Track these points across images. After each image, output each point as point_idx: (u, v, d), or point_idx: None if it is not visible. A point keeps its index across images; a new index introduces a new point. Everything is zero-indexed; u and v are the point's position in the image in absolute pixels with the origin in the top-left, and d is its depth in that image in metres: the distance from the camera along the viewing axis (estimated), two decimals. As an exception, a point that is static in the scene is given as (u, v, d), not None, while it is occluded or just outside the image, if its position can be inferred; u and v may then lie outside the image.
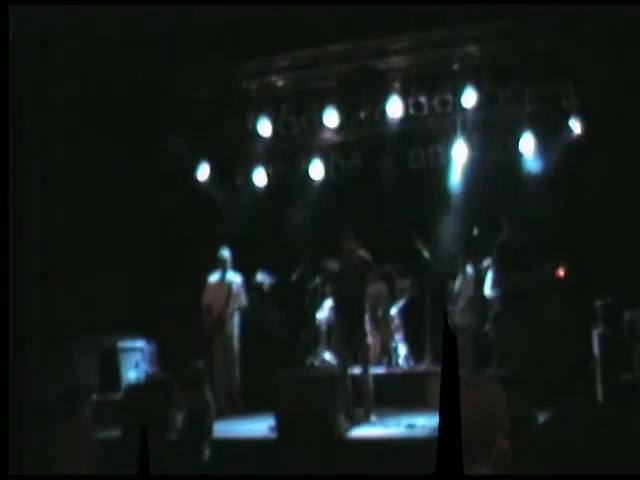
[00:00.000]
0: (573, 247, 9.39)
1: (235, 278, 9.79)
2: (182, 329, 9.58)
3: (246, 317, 9.96)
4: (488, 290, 9.35)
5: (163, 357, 9.72)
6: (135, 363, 9.44)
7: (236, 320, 9.79)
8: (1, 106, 6.51)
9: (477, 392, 3.24)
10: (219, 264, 9.75)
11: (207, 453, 6.68)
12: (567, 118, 9.80)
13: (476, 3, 8.52)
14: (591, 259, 9.07)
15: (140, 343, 9.66)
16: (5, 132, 6.50)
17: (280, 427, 7.86)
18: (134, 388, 8.40)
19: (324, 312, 10.18)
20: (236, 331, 9.77)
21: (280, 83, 10.55)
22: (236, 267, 9.86)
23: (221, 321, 9.61)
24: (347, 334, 8.73)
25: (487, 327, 9.34)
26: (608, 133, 9.20)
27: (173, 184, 10.37)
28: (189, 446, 6.74)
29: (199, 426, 6.76)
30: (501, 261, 9.31)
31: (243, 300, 9.82)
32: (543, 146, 9.98)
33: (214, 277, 9.80)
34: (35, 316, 7.58)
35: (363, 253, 8.78)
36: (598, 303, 8.40)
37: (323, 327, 10.20)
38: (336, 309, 9.18)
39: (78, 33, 8.31)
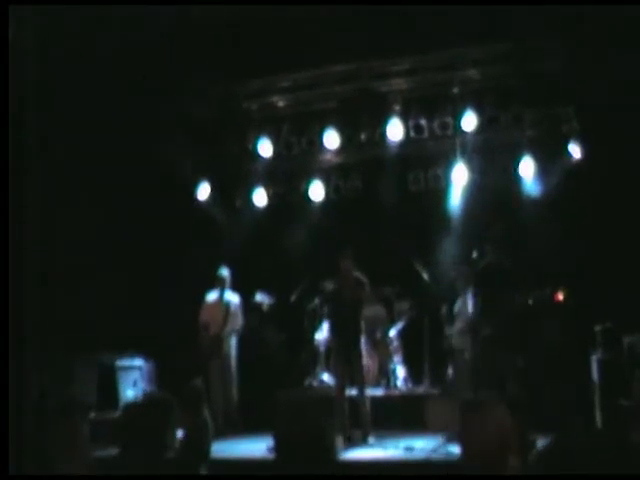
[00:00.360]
0: (572, 271, 9.39)
1: (233, 298, 9.78)
2: (180, 348, 9.56)
3: (244, 337, 9.93)
4: (474, 314, 9.30)
5: (161, 376, 9.68)
6: (133, 381, 9.40)
7: (234, 340, 9.76)
8: (1, 106, 6.51)
9: (491, 414, 3.24)
10: (218, 283, 9.74)
11: (204, 473, 6.63)
12: (567, 142, 9.82)
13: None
14: (591, 283, 9.09)
15: (138, 361, 9.62)
16: (5, 132, 6.50)
17: (278, 448, 7.80)
18: (132, 406, 8.36)
19: (323, 333, 10.15)
20: (233, 351, 9.73)
21: (281, 103, 10.59)
22: (235, 287, 9.85)
23: (218, 340, 9.57)
24: (344, 355, 8.72)
25: (480, 349, 9.29)
26: (607, 158, 9.24)
27: (173, 202, 10.36)
28: (187, 466, 6.68)
29: (197, 445, 6.70)
30: (486, 285, 9.26)
31: (240, 320, 9.81)
32: (543, 170, 9.99)
33: (212, 296, 9.79)
34: (33, 324, 7.56)
35: (359, 274, 8.78)
36: (597, 328, 8.41)
37: (322, 348, 10.16)
38: (332, 330, 9.17)
39: (78, 33, 8.32)
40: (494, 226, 9.56)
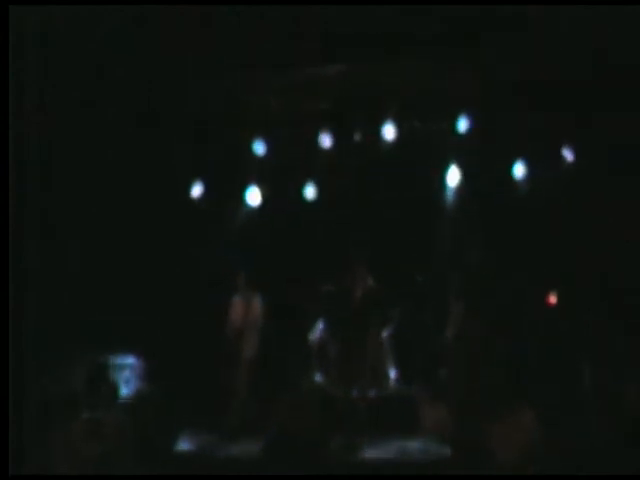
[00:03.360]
0: (565, 274, 9.46)
1: (255, 296, 9.77)
2: (173, 346, 9.54)
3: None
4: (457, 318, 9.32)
5: (153, 374, 9.61)
6: (126, 379, 9.34)
7: (256, 338, 9.71)
8: (1, 106, 6.48)
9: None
10: (239, 282, 9.76)
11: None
12: (561, 146, 9.88)
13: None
14: (583, 286, 9.17)
15: (130, 359, 9.56)
16: (5, 131, 6.47)
17: (272, 448, 7.79)
18: (124, 404, 8.34)
19: (316, 333, 10.14)
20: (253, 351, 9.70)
21: (276, 103, 10.52)
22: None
23: (241, 340, 9.59)
24: (344, 355, 8.71)
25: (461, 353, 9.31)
26: (601, 161, 9.32)
27: (166, 199, 10.29)
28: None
29: None
30: (468, 290, 9.30)
31: (260, 318, 9.76)
32: (536, 173, 10.05)
33: (237, 295, 9.79)
34: (32, 323, 7.50)
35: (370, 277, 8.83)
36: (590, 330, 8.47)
37: (315, 349, 10.15)
38: (335, 330, 9.13)
39: (78, 33, 8.27)
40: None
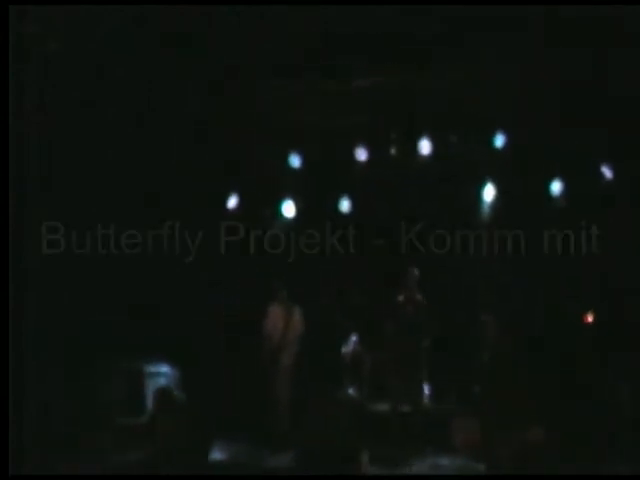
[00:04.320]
0: (605, 294, 9.40)
1: (295, 306, 9.77)
2: (207, 355, 9.57)
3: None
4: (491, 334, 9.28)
5: (188, 382, 9.66)
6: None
7: (294, 349, 9.68)
8: (1, 106, 6.55)
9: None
10: (279, 291, 9.76)
11: None
12: (599, 163, 9.79)
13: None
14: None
15: (165, 368, 9.62)
16: (5, 131, 6.53)
17: (304, 460, 7.78)
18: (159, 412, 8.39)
19: (350, 346, 10.13)
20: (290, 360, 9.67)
21: (311, 116, 10.53)
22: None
23: (278, 349, 9.57)
24: (379, 371, 8.73)
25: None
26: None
27: (201, 210, 10.34)
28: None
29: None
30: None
31: (299, 331, 9.75)
32: (573, 191, 9.98)
33: (275, 304, 9.78)
34: (32, 323, 7.55)
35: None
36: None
37: (348, 361, 10.13)
38: (370, 345, 9.13)
39: (78, 33, 8.34)
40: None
